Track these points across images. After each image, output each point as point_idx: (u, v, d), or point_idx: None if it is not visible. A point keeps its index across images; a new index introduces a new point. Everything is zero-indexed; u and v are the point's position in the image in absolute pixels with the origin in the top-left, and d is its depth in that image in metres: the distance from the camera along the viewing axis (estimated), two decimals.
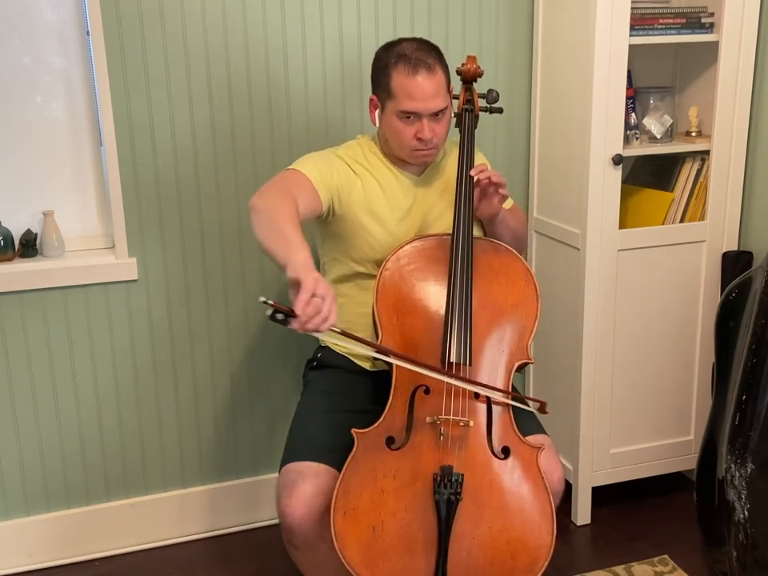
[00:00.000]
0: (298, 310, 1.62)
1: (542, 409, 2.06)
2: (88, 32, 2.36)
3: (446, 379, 1.89)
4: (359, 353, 2.09)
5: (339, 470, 1.87)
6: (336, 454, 1.93)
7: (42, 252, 2.48)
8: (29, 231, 2.46)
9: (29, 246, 2.46)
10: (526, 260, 2.12)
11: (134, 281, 2.52)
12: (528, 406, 2.03)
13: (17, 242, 2.45)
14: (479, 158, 2.25)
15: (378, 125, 2.12)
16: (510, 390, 1.97)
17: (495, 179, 2.06)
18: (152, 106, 2.42)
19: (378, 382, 2.05)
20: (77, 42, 2.41)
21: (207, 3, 2.40)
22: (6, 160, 2.44)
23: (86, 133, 2.48)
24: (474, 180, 2.06)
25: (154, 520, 2.68)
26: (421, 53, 2.02)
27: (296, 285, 1.66)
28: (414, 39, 2.09)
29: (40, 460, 2.56)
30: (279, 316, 1.64)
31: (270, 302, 1.64)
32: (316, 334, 1.71)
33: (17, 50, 2.38)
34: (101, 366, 2.55)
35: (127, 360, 2.57)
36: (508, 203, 2.27)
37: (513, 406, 1.94)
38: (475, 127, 2.15)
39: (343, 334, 1.77)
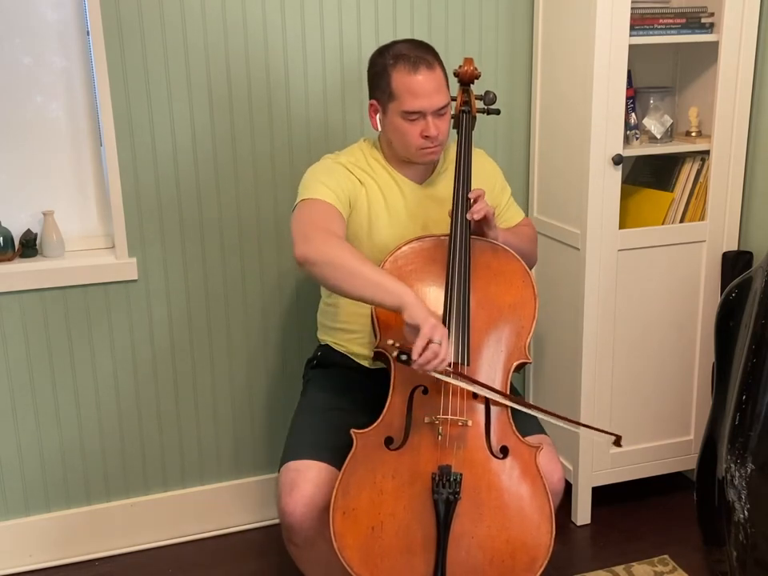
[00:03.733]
0: (414, 355, 1.75)
1: (618, 443, 2.00)
2: (88, 32, 2.36)
3: (508, 403, 1.92)
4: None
5: (339, 468, 1.87)
6: (336, 452, 1.93)
7: (42, 252, 2.48)
8: (29, 231, 2.46)
9: (29, 246, 2.46)
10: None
11: (134, 281, 2.52)
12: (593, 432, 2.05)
13: (17, 242, 2.45)
14: (483, 167, 2.23)
15: (380, 129, 2.12)
16: (509, 391, 1.97)
17: (477, 216, 2.01)
18: (152, 106, 2.42)
19: (378, 379, 2.05)
20: (77, 41, 2.41)
21: (207, 3, 2.40)
22: (6, 160, 2.44)
23: (86, 133, 2.49)
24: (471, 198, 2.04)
25: (153, 520, 2.68)
26: (418, 51, 2.02)
27: (414, 329, 1.77)
28: (407, 40, 2.09)
29: (40, 460, 2.56)
30: (404, 357, 1.77)
31: (398, 344, 1.80)
32: (432, 373, 1.82)
33: (17, 50, 2.38)
34: (100, 366, 2.55)
35: (127, 360, 2.57)
36: (514, 218, 2.28)
37: (513, 408, 1.94)
38: (473, 129, 2.15)
39: (456, 373, 1.86)
